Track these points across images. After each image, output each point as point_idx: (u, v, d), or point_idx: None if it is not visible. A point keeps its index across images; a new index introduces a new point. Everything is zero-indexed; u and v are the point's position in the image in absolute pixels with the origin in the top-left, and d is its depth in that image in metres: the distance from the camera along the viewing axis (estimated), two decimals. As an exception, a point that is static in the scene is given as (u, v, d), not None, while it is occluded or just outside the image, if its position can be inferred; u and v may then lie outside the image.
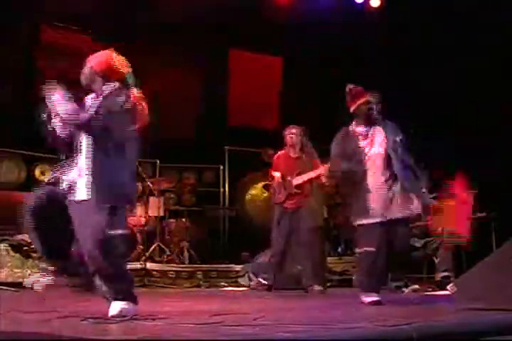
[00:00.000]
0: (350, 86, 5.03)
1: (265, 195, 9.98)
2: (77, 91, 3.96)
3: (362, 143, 4.88)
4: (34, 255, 7.23)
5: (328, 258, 7.59)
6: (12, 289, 6.25)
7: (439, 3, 8.97)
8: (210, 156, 10.18)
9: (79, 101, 3.90)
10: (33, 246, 7.24)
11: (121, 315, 3.41)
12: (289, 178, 6.74)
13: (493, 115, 8.78)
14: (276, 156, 6.98)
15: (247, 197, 10.62)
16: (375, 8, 10.27)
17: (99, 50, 4.07)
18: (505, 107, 8.47)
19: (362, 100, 4.95)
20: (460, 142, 8.39)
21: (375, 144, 4.87)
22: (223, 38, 10.05)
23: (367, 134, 4.90)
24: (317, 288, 6.41)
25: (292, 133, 6.85)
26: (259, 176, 10.34)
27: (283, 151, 6.97)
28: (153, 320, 3.33)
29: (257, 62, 10.94)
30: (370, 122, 4.93)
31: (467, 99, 8.99)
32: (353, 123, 5.01)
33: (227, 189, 10.56)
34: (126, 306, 3.50)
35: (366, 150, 4.86)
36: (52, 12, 9.27)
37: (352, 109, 5.01)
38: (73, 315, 3.52)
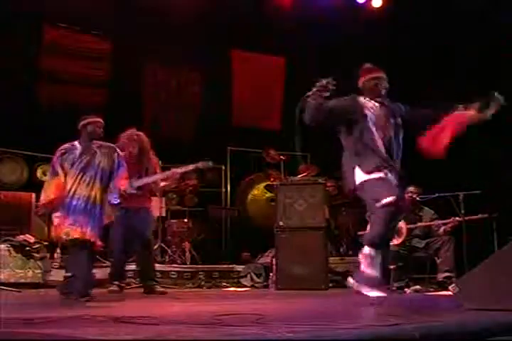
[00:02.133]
0: (365, 64, 4.93)
1: (267, 195, 10.00)
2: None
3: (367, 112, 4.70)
4: (36, 255, 7.24)
5: (330, 259, 7.59)
6: (14, 290, 6.26)
7: (441, 3, 8.97)
8: (212, 156, 10.15)
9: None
10: (34, 247, 7.26)
11: None
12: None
13: (493, 115, 8.75)
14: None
15: (249, 197, 10.63)
16: (376, 8, 10.28)
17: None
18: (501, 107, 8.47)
19: (371, 75, 4.82)
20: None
21: (380, 116, 4.71)
22: (225, 39, 10.06)
23: (373, 106, 4.73)
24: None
25: None
26: (261, 176, 10.36)
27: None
28: (155, 320, 3.33)
29: (260, 62, 10.95)
30: (376, 98, 4.77)
31: (470, 97, 8.97)
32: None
33: (229, 189, 10.57)
34: None
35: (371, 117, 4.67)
36: (54, 12, 9.29)
37: (359, 83, 4.88)
38: (74, 315, 3.52)
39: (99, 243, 5.20)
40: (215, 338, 2.71)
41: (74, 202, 5.14)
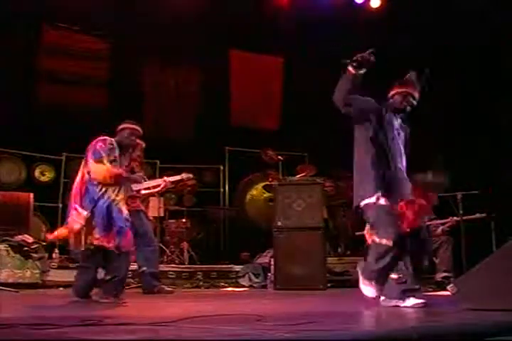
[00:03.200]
0: (407, 76, 4.69)
1: (265, 195, 10.00)
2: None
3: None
4: (34, 255, 7.24)
5: (328, 259, 7.59)
6: (12, 290, 6.25)
7: (440, 4, 8.98)
8: (210, 156, 10.19)
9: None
10: (33, 247, 7.25)
11: None
12: None
13: (492, 115, 8.79)
14: None
15: (247, 197, 10.63)
16: (375, 8, 10.28)
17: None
18: (501, 107, 8.52)
19: (404, 89, 4.58)
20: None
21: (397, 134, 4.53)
22: (224, 38, 10.05)
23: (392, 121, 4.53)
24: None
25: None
26: (259, 177, 10.36)
27: None
28: (154, 320, 3.33)
29: (258, 62, 10.94)
30: (397, 114, 4.57)
31: (464, 99, 9.01)
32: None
33: (227, 189, 10.56)
34: None
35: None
36: (53, 12, 9.29)
37: (390, 94, 4.64)
38: (73, 316, 3.52)
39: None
40: (213, 338, 2.71)
41: (100, 203, 4.98)
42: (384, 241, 4.19)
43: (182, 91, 10.61)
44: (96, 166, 5.04)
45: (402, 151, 4.52)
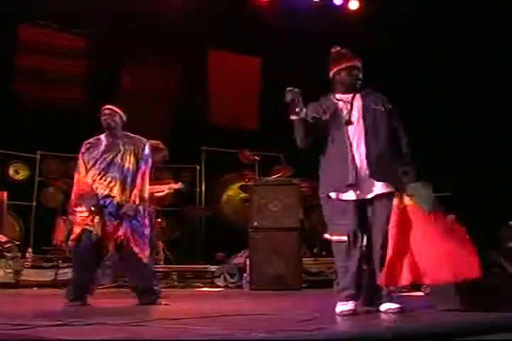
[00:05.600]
0: (335, 48, 4.27)
1: (242, 195, 9.99)
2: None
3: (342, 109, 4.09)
4: (7, 255, 7.16)
5: (304, 259, 7.61)
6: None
7: (418, 5, 9.05)
8: (186, 156, 10.16)
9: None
10: (6, 246, 7.18)
11: None
12: None
13: (467, 117, 8.88)
14: None
15: (223, 197, 10.62)
16: (353, 10, 10.34)
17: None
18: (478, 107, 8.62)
19: (345, 64, 4.14)
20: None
21: (354, 110, 4.11)
22: (203, 38, 10.04)
23: (347, 101, 4.11)
24: None
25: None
26: (235, 177, 10.36)
27: None
28: (128, 320, 3.31)
29: (236, 62, 10.94)
30: (351, 91, 4.14)
31: (447, 100, 9.08)
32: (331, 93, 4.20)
33: (203, 189, 10.54)
34: None
35: (346, 116, 4.05)
36: (32, 10, 9.20)
37: (331, 74, 4.21)
38: (52, 316, 3.49)
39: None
40: (187, 338, 2.70)
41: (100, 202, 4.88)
42: (334, 238, 3.96)
43: (159, 90, 10.58)
44: (75, 179, 5.01)
45: (362, 137, 4.01)
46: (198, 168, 10.49)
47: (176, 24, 9.50)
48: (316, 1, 10.23)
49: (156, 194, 6.55)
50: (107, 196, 4.89)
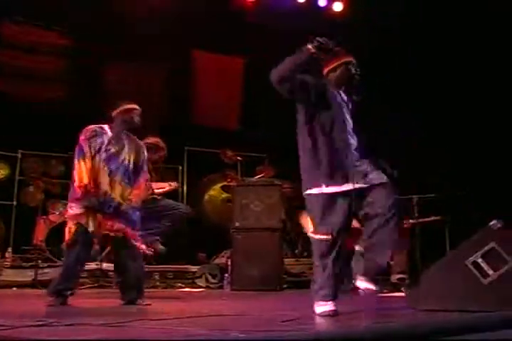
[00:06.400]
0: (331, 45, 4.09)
1: (224, 195, 9.98)
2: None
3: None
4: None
5: (286, 260, 7.62)
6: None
7: (402, 6, 9.10)
8: (169, 156, 10.11)
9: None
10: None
11: None
12: None
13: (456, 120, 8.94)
14: None
15: (205, 197, 10.60)
16: (338, 12, 10.38)
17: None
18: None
19: (342, 60, 4.14)
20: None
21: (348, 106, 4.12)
22: (187, 38, 10.01)
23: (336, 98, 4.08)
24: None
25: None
26: (218, 177, 10.33)
27: None
28: (108, 320, 3.30)
29: (220, 62, 10.93)
30: (346, 89, 4.14)
31: (435, 101, 9.14)
32: None
33: (185, 189, 10.51)
34: None
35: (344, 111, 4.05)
36: (13, 7, 9.13)
37: (326, 71, 4.17)
38: (33, 316, 3.47)
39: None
40: (168, 338, 2.70)
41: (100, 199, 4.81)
42: (323, 237, 3.88)
43: (143, 90, 10.53)
44: (76, 167, 4.85)
45: (350, 128, 4.07)
46: (180, 168, 10.47)
47: (160, 24, 9.48)
48: (301, 2, 10.25)
49: (156, 191, 6.57)
50: (108, 194, 4.83)
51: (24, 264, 7.55)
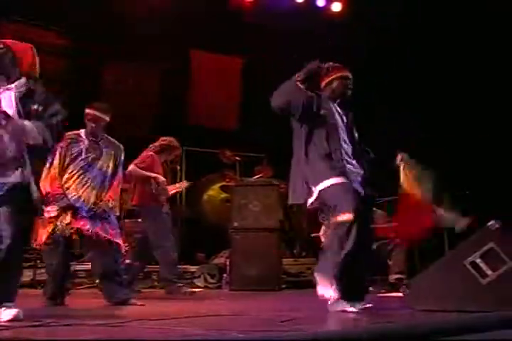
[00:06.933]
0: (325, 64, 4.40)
1: (222, 195, 9.97)
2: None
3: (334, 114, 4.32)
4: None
5: (284, 260, 7.62)
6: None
7: (401, 7, 9.10)
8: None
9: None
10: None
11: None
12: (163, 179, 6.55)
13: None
14: (152, 158, 6.62)
15: (204, 197, 10.59)
16: (336, 12, 10.38)
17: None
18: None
19: (339, 74, 4.38)
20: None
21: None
22: (185, 38, 10.01)
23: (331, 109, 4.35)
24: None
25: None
26: (216, 177, 10.33)
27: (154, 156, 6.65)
28: (105, 320, 3.30)
29: (218, 62, 10.93)
30: (340, 102, 4.38)
31: (434, 101, 9.14)
32: None
33: (184, 189, 10.50)
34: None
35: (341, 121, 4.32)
36: (10, 6, 9.11)
37: (324, 83, 4.42)
38: (30, 316, 3.47)
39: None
40: (163, 338, 2.70)
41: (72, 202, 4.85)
42: (346, 217, 3.96)
43: (141, 89, 10.53)
44: (45, 172, 4.86)
45: (346, 138, 4.31)
46: (179, 167, 10.45)
47: (158, 24, 9.47)
48: (299, 2, 10.25)
49: (170, 192, 6.63)
50: (79, 197, 4.85)
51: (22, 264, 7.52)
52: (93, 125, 5.11)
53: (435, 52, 9.22)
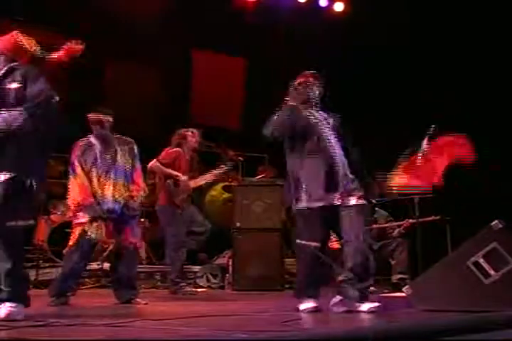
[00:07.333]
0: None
1: (225, 196, 9.97)
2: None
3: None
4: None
5: (286, 260, 7.61)
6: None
7: (403, 6, 9.10)
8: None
9: None
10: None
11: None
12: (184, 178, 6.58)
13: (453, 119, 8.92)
14: (176, 154, 6.69)
15: (206, 197, 10.58)
16: (339, 12, 10.38)
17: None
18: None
19: (299, 80, 4.45)
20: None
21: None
22: (187, 38, 10.02)
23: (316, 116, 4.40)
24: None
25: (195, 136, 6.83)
26: (219, 177, 10.31)
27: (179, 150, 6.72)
28: (108, 321, 3.30)
29: (220, 62, 10.93)
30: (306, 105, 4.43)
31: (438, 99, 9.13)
32: None
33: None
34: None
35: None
36: (14, 8, 9.12)
37: (293, 86, 4.50)
38: (34, 316, 3.47)
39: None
40: (169, 338, 2.70)
41: (105, 206, 4.95)
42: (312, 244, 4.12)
43: (143, 89, 10.53)
44: (71, 184, 5.00)
45: (333, 141, 4.35)
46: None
47: (159, 24, 9.48)
48: (301, 2, 10.25)
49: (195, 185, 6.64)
50: (114, 200, 4.99)
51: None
52: (99, 127, 5.21)
53: (438, 52, 9.21)
